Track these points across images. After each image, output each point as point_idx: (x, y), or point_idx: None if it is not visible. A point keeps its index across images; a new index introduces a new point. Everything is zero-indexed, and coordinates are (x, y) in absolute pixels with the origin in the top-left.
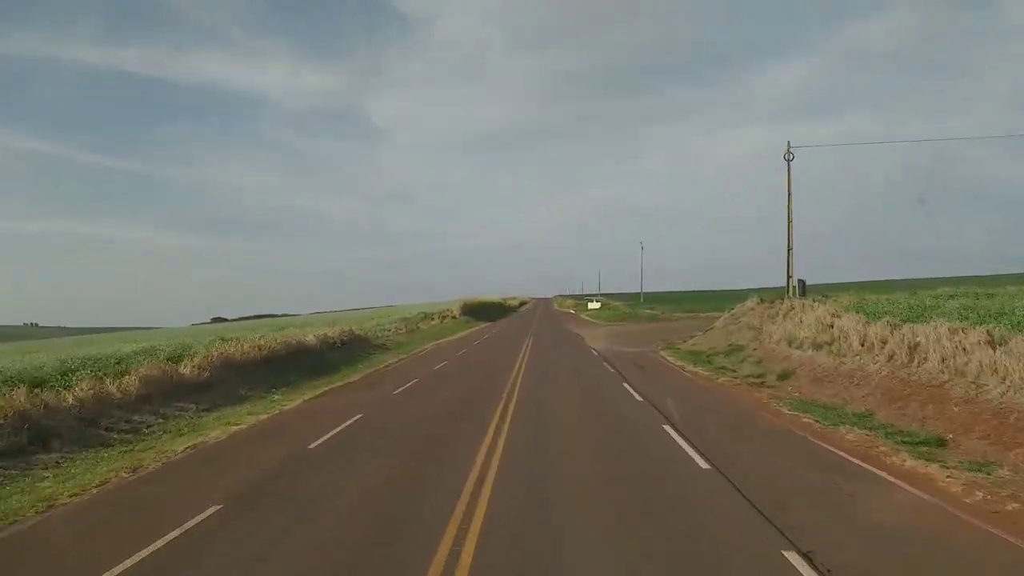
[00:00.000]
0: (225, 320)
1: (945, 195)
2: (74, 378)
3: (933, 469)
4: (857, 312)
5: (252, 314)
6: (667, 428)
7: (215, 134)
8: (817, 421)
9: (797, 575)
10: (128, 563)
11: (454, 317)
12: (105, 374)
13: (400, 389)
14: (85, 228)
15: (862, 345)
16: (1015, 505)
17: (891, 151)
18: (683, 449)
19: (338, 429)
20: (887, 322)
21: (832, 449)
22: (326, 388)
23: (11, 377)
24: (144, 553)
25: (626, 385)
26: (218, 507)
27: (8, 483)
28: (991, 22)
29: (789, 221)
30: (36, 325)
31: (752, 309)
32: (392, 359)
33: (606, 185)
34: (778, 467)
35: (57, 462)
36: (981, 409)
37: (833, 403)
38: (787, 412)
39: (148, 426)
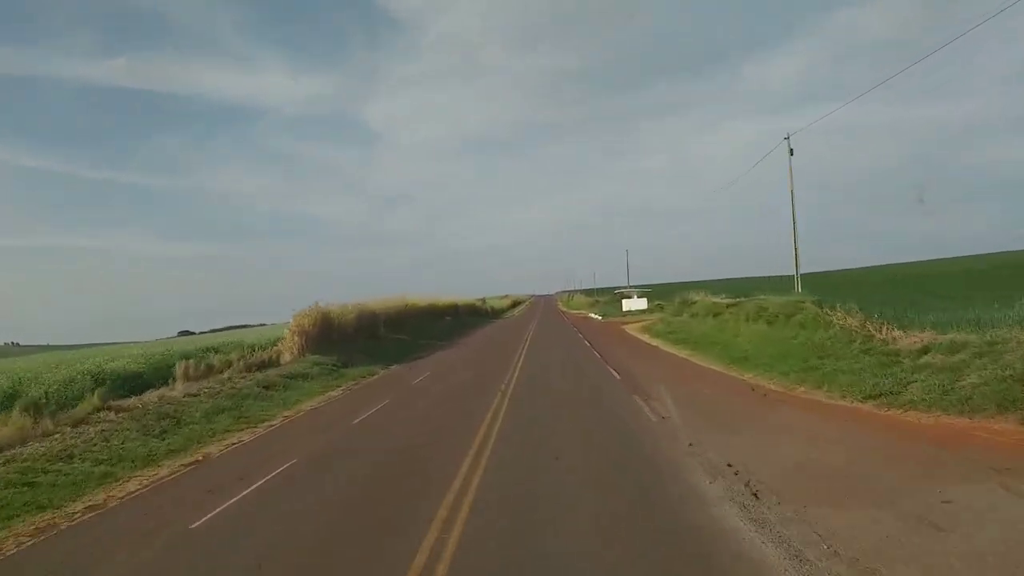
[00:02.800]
0: (191, 333)
1: None
2: None
3: None
4: None
5: (224, 325)
6: None
7: (203, 140)
8: None
9: None
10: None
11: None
12: None
13: None
14: (60, 241)
15: None
16: None
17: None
18: None
19: None
20: None
21: None
22: None
23: None
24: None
25: None
26: None
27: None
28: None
29: None
30: (17, 344)
31: None
32: None
33: (608, 182)
34: None
35: None
36: None
37: None
38: None
39: None
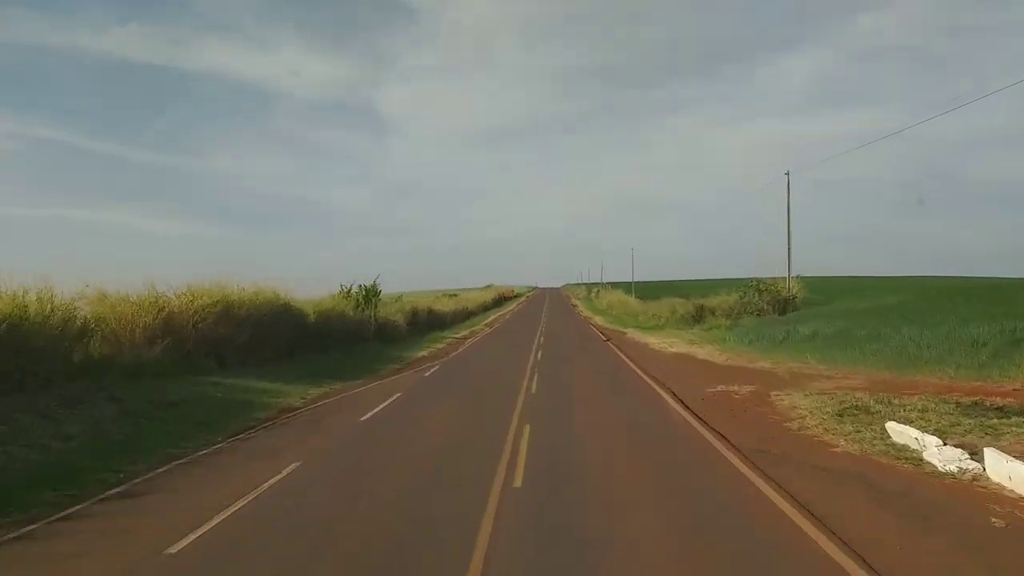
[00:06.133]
0: None
1: None
2: None
3: None
4: None
5: None
6: None
7: (218, 122)
8: None
9: None
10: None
11: None
12: None
13: None
14: (59, 212)
15: None
16: None
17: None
18: None
19: None
20: None
21: None
22: None
23: None
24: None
25: None
26: None
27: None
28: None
29: None
30: None
31: None
32: None
33: (620, 177)
34: None
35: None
36: None
37: None
38: None
39: None
